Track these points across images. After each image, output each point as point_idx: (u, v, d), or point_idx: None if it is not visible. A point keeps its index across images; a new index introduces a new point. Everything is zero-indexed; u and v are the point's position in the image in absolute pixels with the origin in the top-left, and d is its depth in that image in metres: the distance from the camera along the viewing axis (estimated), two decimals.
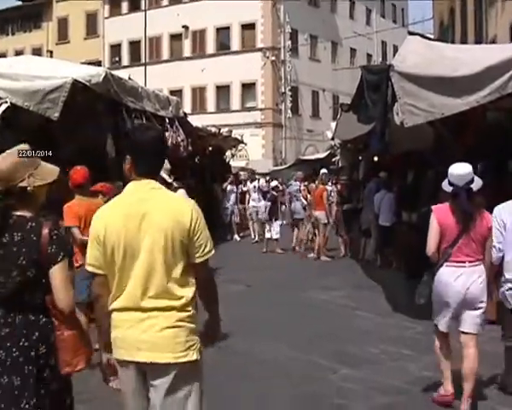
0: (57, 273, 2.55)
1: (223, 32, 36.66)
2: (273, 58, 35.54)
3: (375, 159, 11.87)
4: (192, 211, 2.61)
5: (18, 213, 2.61)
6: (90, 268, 2.65)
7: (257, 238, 15.97)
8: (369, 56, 43.17)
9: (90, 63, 18.02)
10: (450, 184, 4.31)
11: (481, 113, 7.16)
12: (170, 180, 5.68)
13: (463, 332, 4.41)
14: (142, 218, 2.57)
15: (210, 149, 17.45)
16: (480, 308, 4.35)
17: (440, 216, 4.35)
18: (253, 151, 31.72)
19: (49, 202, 2.78)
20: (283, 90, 36.50)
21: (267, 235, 14.01)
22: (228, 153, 20.18)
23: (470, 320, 4.36)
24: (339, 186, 13.66)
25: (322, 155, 26.28)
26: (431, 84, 6.31)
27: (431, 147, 8.82)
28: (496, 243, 4.47)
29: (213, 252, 2.65)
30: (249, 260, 12.77)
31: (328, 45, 39.31)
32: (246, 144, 20.88)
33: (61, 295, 2.55)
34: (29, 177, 2.61)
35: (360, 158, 14.19)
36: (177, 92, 32.87)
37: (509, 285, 4.46)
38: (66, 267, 2.59)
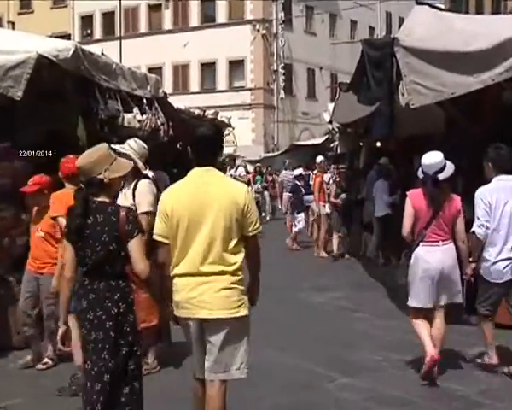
0: (134, 246, 3.52)
1: (208, 2, 36.58)
2: (264, 32, 35.57)
3: (378, 144, 11.88)
4: (245, 194, 3.61)
5: (99, 199, 3.60)
6: (158, 238, 3.62)
7: None
8: (372, 29, 43.26)
9: (57, 36, 17.89)
10: (422, 172, 5.38)
11: (497, 92, 7.16)
12: (145, 170, 5.71)
13: (436, 305, 5.45)
14: (206, 198, 3.53)
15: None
16: (452, 282, 5.41)
17: (414, 200, 5.40)
18: (242, 136, 31.70)
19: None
20: (275, 68, 36.51)
21: (294, 229, 14.18)
22: None
23: (443, 294, 5.42)
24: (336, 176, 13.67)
25: (318, 141, 26.31)
26: (440, 59, 6.31)
27: (440, 131, 8.86)
28: (483, 222, 5.43)
29: (260, 229, 3.66)
30: None
31: (325, 17, 39.37)
32: (233, 128, 20.76)
33: (138, 264, 3.52)
34: (105, 171, 3.57)
35: (361, 144, 14.18)
36: (157, 70, 32.79)
37: (493, 260, 5.45)
38: (141, 241, 3.56)
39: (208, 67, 37.06)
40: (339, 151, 17.13)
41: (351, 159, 15.00)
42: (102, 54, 9.16)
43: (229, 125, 20.71)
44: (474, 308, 5.85)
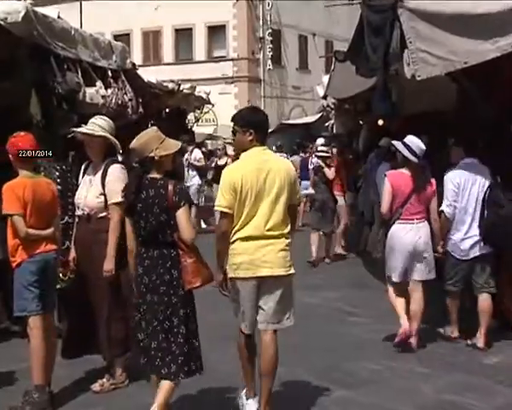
0: (181, 215, 4.44)
1: None
2: None
3: (380, 123, 11.85)
4: (293, 169, 5.01)
5: (151, 175, 4.55)
6: (224, 209, 4.68)
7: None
8: None
9: None
10: (414, 154, 6.52)
11: None
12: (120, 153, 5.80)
13: (412, 280, 6.65)
14: (268, 172, 4.71)
15: (167, 111, 17.21)
16: (425, 258, 6.59)
17: (393, 181, 6.65)
18: (224, 114, 31.33)
19: None
20: (261, 35, 36.42)
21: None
22: (191, 116, 20.03)
23: (418, 269, 6.60)
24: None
25: (311, 119, 26.40)
26: (451, 23, 6.26)
27: (452, 107, 8.84)
28: (452, 202, 6.69)
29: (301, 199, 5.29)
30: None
31: None
32: (213, 105, 20.73)
33: (185, 231, 4.44)
34: (156, 149, 4.50)
35: (361, 122, 14.18)
36: (124, 37, 32.59)
37: (461, 237, 6.69)
38: (187, 211, 4.51)
39: (184, 34, 36.87)
40: (335, 131, 17.15)
41: (349, 140, 15.01)
42: (59, 17, 9.08)
43: (209, 102, 20.62)
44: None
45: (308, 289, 9.16)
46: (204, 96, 19.68)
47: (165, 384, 4.48)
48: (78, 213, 5.66)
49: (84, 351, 5.76)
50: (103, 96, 9.48)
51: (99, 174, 5.51)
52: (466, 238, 6.69)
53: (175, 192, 4.46)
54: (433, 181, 6.69)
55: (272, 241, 4.69)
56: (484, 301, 6.70)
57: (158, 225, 4.47)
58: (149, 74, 15.36)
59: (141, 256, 4.56)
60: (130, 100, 10.70)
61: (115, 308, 5.53)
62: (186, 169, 15.96)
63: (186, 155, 15.98)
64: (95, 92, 9.26)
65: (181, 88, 16.73)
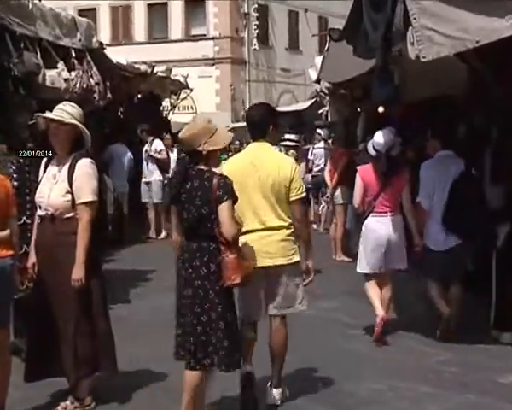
0: (224, 210, 4.83)
1: None
2: None
3: (381, 110, 11.80)
4: (291, 164, 5.58)
5: (198, 167, 4.97)
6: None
7: (162, 234, 15.34)
8: None
9: None
10: (374, 149, 7.49)
11: None
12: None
13: (385, 271, 7.57)
14: (262, 168, 5.43)
15: (139, 96, 17.20)
16: (398, 250, 7.48)
17: (364, 175, 7.56)
18: (204, 100, 31.65)
19: None
20: (246, 11, 36.38)
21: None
22: (166, 102, 19.96)
23: (390, 260, 7.50)
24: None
25: (303, 106, 26.28)
26: None
27: (463, 91, 8.89)
28: (427, 194, 7.53)
29: (303, 195, 5.61)
30: None
31: None
32: (192, 90, 20.68)
33: (227, 226, 4.83)
34: (204, 143, 4.90)
35: (359, 109, 14.11)
36: (89, 12, 32.44)
37: (437, 229, 7.44)
38: (230, 206, 4.88)
39: (158, 10, 36.81)
40: (329, 119, 17.05)
41: (345, 129, 14.89)
42: None
43: (186, 87, 20.55)
44: (505, 323, 7.20)
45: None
46: (181, 79, 19.60)
47: (193, 377, 4.91)
48: (40, 213, 5.54)
49: (49, 373, 5.67)
50: (66, 80, 9.47)
51: (65, 169, 5.44)
52: (442, 230, 7.44)
53: (219, 186, 4.86)
54: (406, 174, 7.61)
55: (272, 232, 5.45)
56: (455, 291, 7.55)
57: (199, 218, 4.90)
58: (119, 55, 15.32)
59: (181, 248, 5.04)
60: (96, 84, 10.69)
61: (84, 322, 5.45)
62: (145, 163, 15.60)
63: (146, 147, 15.60)
64: (56, 75, 9.23)
65: (155, 71, 16.69)
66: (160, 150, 15.40)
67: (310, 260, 5.67)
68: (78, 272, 5.28)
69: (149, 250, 13.90)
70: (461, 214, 7.27)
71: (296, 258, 5.57)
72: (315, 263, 5.70)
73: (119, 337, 5.77)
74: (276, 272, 5.48)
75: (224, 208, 4.84)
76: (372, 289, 7.56)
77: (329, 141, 15.27)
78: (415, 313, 8.32)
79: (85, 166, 5.43)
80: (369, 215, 7.50)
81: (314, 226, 15.78)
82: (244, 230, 5.24)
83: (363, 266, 7.65)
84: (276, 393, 5.65)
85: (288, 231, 5.52)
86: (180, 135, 5.05)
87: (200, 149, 4.92)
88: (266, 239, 5.42)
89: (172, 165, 15.26)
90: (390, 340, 7.38)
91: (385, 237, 7.41)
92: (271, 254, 5.43)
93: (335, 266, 12.10)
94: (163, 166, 15.42)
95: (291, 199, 5.48)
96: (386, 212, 7.43)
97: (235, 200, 4.95)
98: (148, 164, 15.55)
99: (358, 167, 7.78)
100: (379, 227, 7.44)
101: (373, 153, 7.53)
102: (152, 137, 15.52)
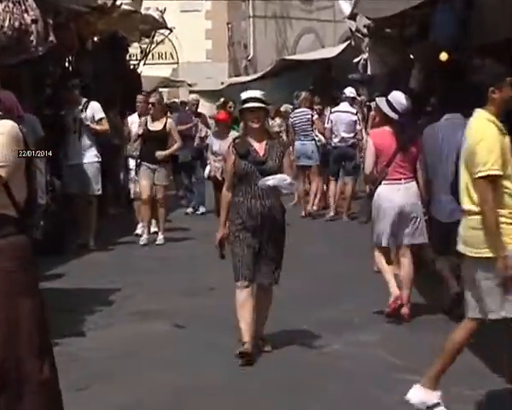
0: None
1: None
2: None
3: (444, 58, 10.06)
4: None
5: None
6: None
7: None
8: None
9: None
10: (394, 110, 7.62)
11: None
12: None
13: (401, 244, 7.74)
14: None
15: (95, 40, 15.21)
16: (414, 221, 7.60)
17: (376, 140, 7.74)
18: (189, 45, 28.44)
19: None
20: None
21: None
22: (134, 49, 17.82)
23: (406, 233, 7.61)
24: None
25: (331, 53, 21.67)
26: None
27: None
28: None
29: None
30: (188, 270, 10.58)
31: None
32: (171, 31, 18.53)
33: None
34: None
35: (411, 57, 12.33)
36: None
37: (443, 199, 7.45)
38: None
39: None
40: (369, 72, 14.92)
41: (390, 86, 12.74)
42: None
43: (164, 26, 18.31)
44: None
45: (328, 330, 7.57)
46: (155, 15, 17.41)
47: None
48: None
49: None
50: None
51: None
52: (449, 201, 7.22)
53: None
54: (419, 140, 7.77)
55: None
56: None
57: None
58: None
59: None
60: (33, 22, 9.47)
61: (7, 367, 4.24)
62: (76, 135, 11.99)
63: (82, 114, 12.11)
64: None
65: (118, 3, 14.45)
66: (101, 119, 12.30)
67: None
68: None
69: (108, 260, 11.42)
70: None
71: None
72: None
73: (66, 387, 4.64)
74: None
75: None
76: (385, 265, 7.68)
77: (362, 101, 14.18)
78: None
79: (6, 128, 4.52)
80: (380, 183, 7.60)
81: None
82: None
83: (376, 239, 7.70)
84: None
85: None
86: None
87: None
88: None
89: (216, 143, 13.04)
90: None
91: (399, 206, 7.50)
92: (462, 241, 5.53)
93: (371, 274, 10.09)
94: (105, 140, 12.41)
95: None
96: (399, 179, 7.55)
97: None
98: (80, 137, 12.03)
99: (370, 131, 8.36)
100: (392, 196, 7.54)
101: (392, 115, 7.61)
102: (86, 99, 12.45)
